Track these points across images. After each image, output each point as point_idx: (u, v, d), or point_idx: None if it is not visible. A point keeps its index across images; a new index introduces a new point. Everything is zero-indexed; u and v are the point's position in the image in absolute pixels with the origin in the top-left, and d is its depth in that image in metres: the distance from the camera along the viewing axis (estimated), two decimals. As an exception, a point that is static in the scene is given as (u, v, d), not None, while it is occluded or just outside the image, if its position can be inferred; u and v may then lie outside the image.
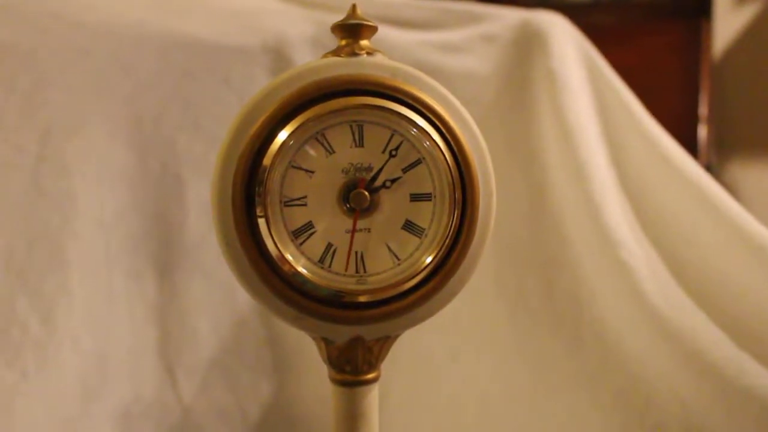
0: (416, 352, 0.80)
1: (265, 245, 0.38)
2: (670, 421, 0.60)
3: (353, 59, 0.40)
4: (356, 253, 0.40)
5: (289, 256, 0.39)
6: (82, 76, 0.80)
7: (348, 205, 0.40)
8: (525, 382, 0.75)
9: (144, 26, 0.84)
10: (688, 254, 0.72)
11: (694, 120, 1.42)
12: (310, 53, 0.87)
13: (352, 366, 0.41)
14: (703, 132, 1.41)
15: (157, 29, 0.84)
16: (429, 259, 0.40)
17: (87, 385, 0.73)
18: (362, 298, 0.39)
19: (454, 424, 0.77)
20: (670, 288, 0.68)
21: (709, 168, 1.35)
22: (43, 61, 0.78)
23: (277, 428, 0.80)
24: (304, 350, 0.81)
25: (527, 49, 0.89)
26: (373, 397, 0.42)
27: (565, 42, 0.88)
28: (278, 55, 0.87)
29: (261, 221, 0.38)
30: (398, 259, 0.40)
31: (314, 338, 0.42)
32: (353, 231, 0.40)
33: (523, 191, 0.83)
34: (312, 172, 0.39)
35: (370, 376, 0.42)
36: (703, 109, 1.42)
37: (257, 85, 0.84)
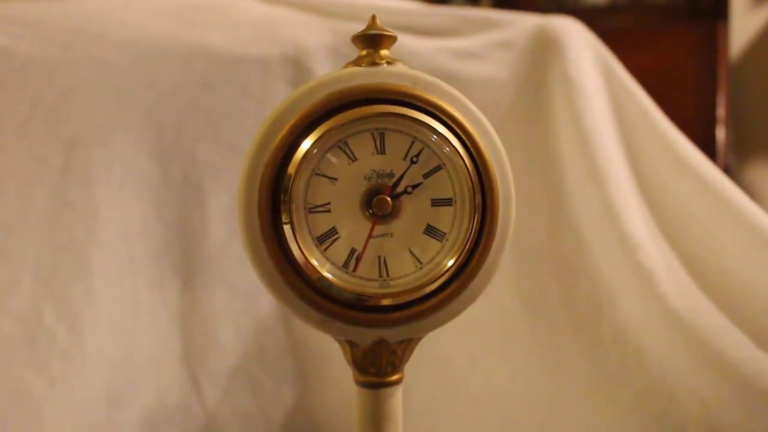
0: (437, 358, 0.80)
1: (290, 251, 0.39)
2: (690, 422, 0.60)
3: (374, 69, 0.41)
4: (379, 257, 0.41)
5: (314, 261, 0.40)
6: (105, 88, 0.81)
7: (370, 211, 0.40)
8: (545, 386, 0.75)
9: (165, 39, 0.85)
10: (707, 256, 0.72)
11: (711, 122, 1.41)
12: (328, 62, 0.88)
13: (376, 368, 0.42)
14: (721, 134, 1.41)
15: (178, 41, 0.85)
16: (450, 263, 0.40)
17: (112, 392, 0.74)
18: (386, 302, 0.40)
19: (476, 428, 0.77)
20: (689, 290, 0.68)
21: (727, 170, 1.35)
22: (67, 74, 0.80)
23: (300, 433, 0.81)
24: (326, 356, 0.82)
25: (543, 55, 0.89)
26: (397, 398, 0.43)
27: (581, 47, 0.89)
28: (297, 65, 0.88)
29: (286, 228, 0.39)
30: (420, 263, 0.41)
31: (339, 341, 0.43)
32: (369, 235, 0.41)
33: (541, 196, 0.84)
34: (335, 179, 0.40)
35: (394, 377, 0.43)
36: (720, 111, 1.42)
37: (276, 94, 0.85)
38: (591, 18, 1.07)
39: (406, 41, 0.90)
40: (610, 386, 0.70)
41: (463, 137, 0.40)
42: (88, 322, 0.74)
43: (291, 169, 0.39)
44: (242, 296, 0.82)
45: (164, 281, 0.81)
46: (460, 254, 0.40)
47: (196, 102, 0.84)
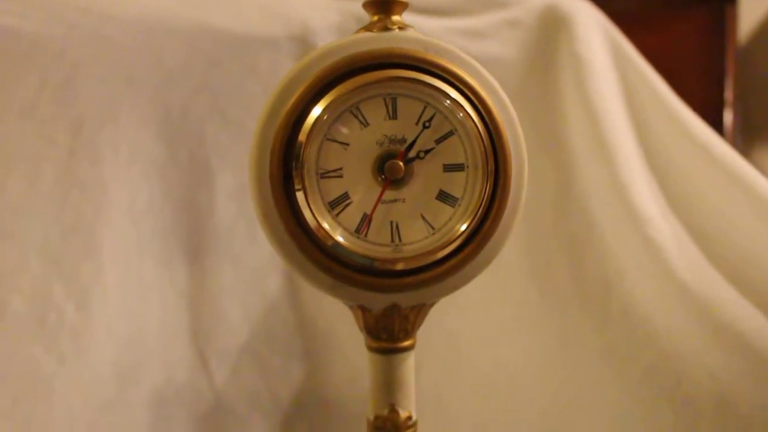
0: (446, 333, 0.80)
1: (303, 216, 0.39)
2: (700, 394, 0.60)
3: (386, 34, 0.41)
4: (392, 222, 0.41)
5: (326, 226, 0.39)
6: (112, 67, 0.81)
7: (382, 176, 0.40)
8: (554, 361, 0.76)
9: (172, 17, 0.85)
10: (716, 230, 0.72)
11: (719, 105, 1.41)
12: (335, 41, 0.88)
13: (389, 333, 0.42)
14: (728, 117, 1.40)
15: (185, 20, 0.85)
16: (463, 228, 0.40)
17: (121, 370, 0.75)
18: (398, 266, 0.40)
19: (485, 403, 0.77)
20: (699, 263, 0.68)
21: (735, 153, 1.34)
22: (74, 54, 0.79)
23: (308, 411, 0.81)
24: (335, 334, 0.82)
25: (552, 34, 0.89)
26: (409, 364, 0.43)
27: (590, 25, 0.88)
28: (304, 44, 0.87)
29: (299, 194, 0.39)
30: (433, 228, 0.41)
31: (351, 307, 0.43)
32: (379, 199, 0.41)
33: (549, 174, 0.83)
34: (347, 144, 0.40)
35: (407, 343, 0.43)
36: (728, 94, 1.41)
37: (283, 74, 0.84)
38: (598, 0, 1.06)
39: (413, 20, 0.90)
40: (619, 361, 0.70)
41: (476, 102, 0.40)
42: (97, 300, 0.74)
43: (302, 135, 0.39)
44: (250, 274, 0.82)
45: (172, 260, 0.81)
46: (473, 219, 0.40)
47: (203, 81, 0.84)
